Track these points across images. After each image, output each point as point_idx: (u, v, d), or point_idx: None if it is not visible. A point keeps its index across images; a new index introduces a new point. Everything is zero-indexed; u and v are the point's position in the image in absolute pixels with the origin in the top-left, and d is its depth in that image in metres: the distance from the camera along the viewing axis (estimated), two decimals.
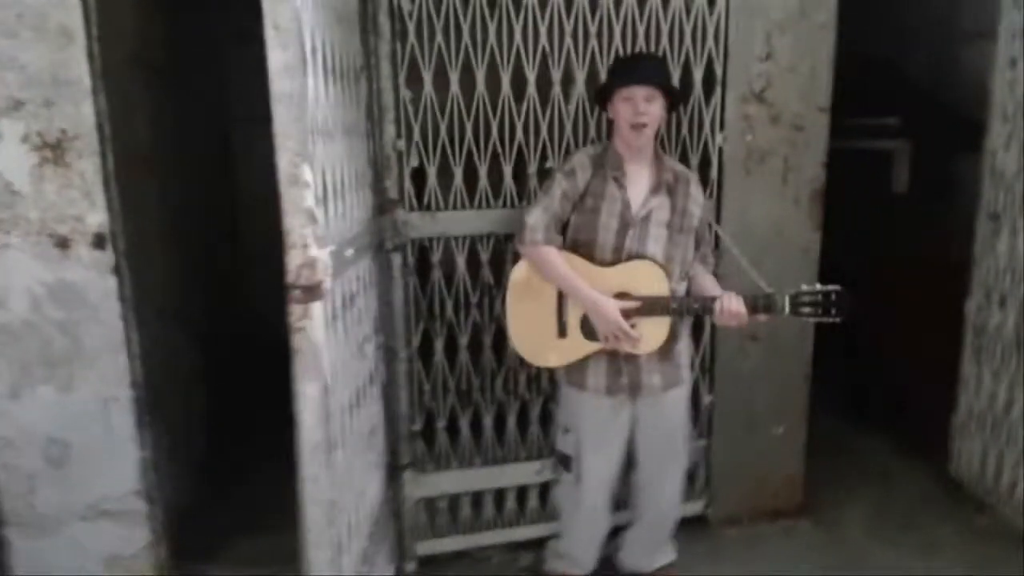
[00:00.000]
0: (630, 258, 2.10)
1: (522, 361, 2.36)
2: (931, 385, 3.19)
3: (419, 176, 2.40)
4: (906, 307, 3.52)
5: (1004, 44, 2.77)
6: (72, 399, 2.18)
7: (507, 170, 2.44)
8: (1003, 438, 2.85)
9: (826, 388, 3.02)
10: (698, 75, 2.51)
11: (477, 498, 2.68)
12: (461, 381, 2.56)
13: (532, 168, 2.45)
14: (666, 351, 2.17)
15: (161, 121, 2.88)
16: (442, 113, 2.36)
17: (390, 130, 2.33)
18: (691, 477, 2.75)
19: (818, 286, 2.00)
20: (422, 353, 2.52)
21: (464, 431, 2.61)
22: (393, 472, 2.51)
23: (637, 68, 2.13)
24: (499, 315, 2.48)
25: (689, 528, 2.71)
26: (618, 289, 2.08)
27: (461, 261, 2.46)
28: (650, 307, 2.07)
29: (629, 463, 2.35)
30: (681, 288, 2.18)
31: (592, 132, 2.47)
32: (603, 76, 2.34)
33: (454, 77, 2.34)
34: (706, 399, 2.75)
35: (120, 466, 2.24)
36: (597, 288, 2.07)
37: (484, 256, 2.47)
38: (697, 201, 2.19)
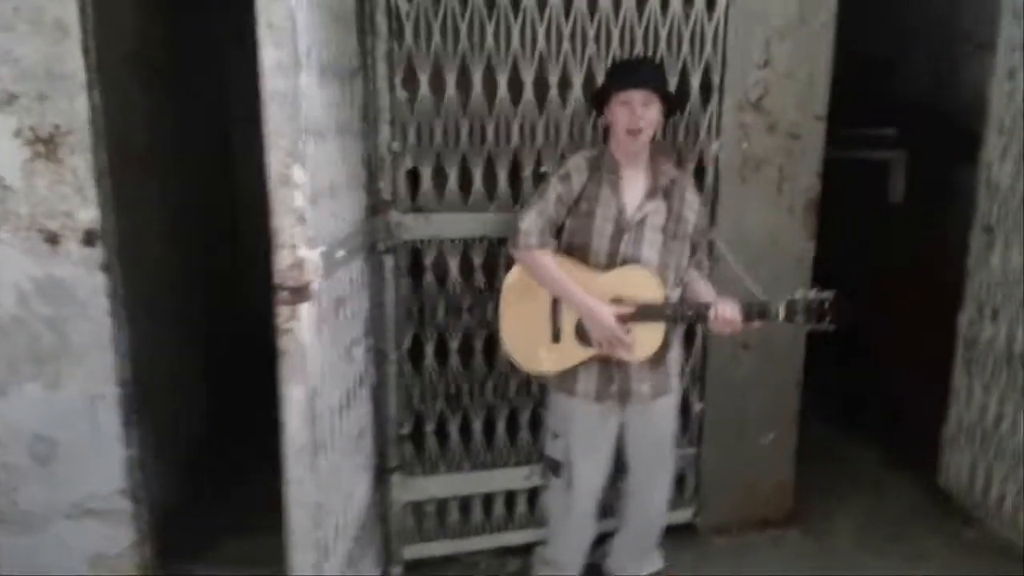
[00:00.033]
0: (625, 263, 2.09)
1: (513, 367, 2.34)
2: (926, 395, 3.18)
3: (413, 177, 2.39)
4: (903, 317, 3.52)
5: (1003, 56, 2.77)
6: (59, 396, 2.16)
7: (502, 173, 2.43)
8: (992, 451, 2.84)
9: (818, 396, 3.02)
10: (695, 82, 2.50)
11: (465, 502, 2.66)
12: (451, 385, 2.55)
13: (527, 171, 2.43)
14: (658, 359, 2.16)
15: (160, 120, 2.87)
16: (438, 114, 2.34)
17: (385, 131, 2.31)
18: (679, 485, 2.75)
19: (812, 293, 2.00)
20: (412, 356, 2.51)
21: (453, 435, 2.59)
22: (381, 475, 2.49)
23: (635, 72, 2.12)
24: (491, 319, 2.47)
25: (677, 536, 2.70)
26: (612, 294, 2.07)
27: (454, 264, 2.45)
28: (645, 313, 2.06)
29: (616, 470, 2.34)
30: (676, 294, 2.17)
31: (588, 135, 2.46)
32: (600, 80, 2.33)
33: (451, 78, 2.33)
34: (697, 407, 2.75)
35: (106, 464, 2.23)
36: (591, 293, 2.06)
37: (477, 259, 2.46)
38: (693, 207, 2.18)
